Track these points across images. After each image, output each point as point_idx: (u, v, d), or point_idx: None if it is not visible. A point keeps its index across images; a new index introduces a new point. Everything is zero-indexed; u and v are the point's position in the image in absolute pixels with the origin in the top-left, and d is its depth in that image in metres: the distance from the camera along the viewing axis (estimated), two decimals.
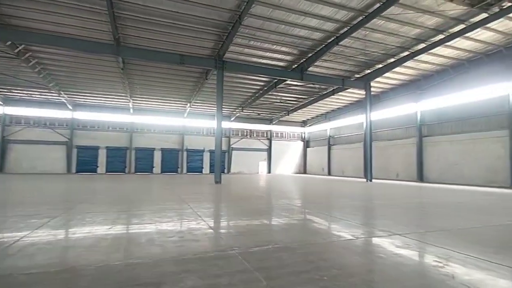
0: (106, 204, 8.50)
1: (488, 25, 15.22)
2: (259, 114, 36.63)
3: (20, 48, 17.51)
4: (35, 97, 28.52)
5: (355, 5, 14.36)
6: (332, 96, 28.06)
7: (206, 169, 36.50)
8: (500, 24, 15.46)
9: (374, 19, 14.92)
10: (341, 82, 22.96)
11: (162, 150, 34.78)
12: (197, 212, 7.14)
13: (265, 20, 15.42)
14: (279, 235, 5.13)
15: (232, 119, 36.92)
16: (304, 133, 42.62)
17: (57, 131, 30.72)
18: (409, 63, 20.50)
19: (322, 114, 37.41)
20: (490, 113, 19.21)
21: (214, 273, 3.11)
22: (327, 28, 16.41)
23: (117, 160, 32.87)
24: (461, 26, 15.79)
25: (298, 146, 42.32)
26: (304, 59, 20.25)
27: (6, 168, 28.49)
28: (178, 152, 35.61)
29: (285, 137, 41.66)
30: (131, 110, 32.98)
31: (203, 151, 36.56)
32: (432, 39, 17.34)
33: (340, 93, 27.44)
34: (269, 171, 39.75)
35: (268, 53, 19.31)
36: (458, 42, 17.44)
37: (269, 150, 40.16)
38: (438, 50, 18.40)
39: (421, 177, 23.55)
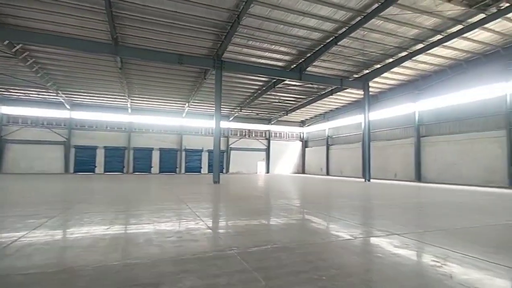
0: (104, 204, 8.48)
1: (486, 25, 15.28)
2: (257, 114, 36.64)
3: (17, 47, 17.44)
4: (33, 96, 28.41)
5: (354, 5, 14.39)
6: (331, 96, 28.10)
7: (204, 169, 36.47)
8: (497, 24, 15.52)
9: (373, 19, 14.96)
10: (340, 82, 23.00)
11: (160, 150, 34.73)
12: (195, 212, 7.13)
13: (263, 20, 15.42)
14: (277, 235, 5.13)
15: (231, 119, 36.90)
16: (303, 133, 42.65)
17: (55, 131, 30.62)
18: (407, 63, 20.56)
19: (320, 114, 37.47)
20: (487, 113, 19.29)
21: (212, 273, 3.11)
22: (326, 28, 16.43)
23: (115, 160, 32.79)
24: (459, 27, 15.86)
25: (297, 146, 42.35)
26: (302, 59, 20.27)
27: (3, 168, 28.36)
28: (177, 152, 35.56)
29: (284, 137, 41.68)
30: (129, 110, 32.91)
31: (201, 151, 36.52)
32: (430, 39, 17.40)
33: (338, 93, 27.48)
34: (267, 171, 39.76)
35: (266, 53, 19.31)
36: (456, 42, 17.50)
37: (267, 150, 40.17)
38: (436, 50, 18.47)
39: (419, 177, 23.61)
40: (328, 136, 36.91)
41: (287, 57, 20.16)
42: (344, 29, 16.39)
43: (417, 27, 16.18)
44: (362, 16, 15.06)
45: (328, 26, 16.19)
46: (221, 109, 19.94)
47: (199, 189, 14.71)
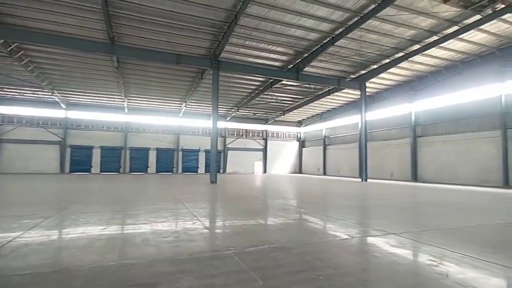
0: (100, 204, 8.43)
1: (481, 26, 15.40)
2: (254, 114, 36.63)
3: (12, 46, 17.29)
4: (28, 96, 28.21)
5: (351, 6, 14.43)
6: (328, 96, 28.17)
7: (201, 169, 36.41)
8: (493, 26, 15.64)
9: (370, 20, 15.01)
10: (337, 83, 23.06)
11: (157, 150, 34.63)
12: (192, 212, 7.12)
13: (261, 20, 15.42)
14: (275, 235, 5.13)
15: (228, 119, 36.88)
16: (300, 133, 42.71)
17: (50, 131, 30.42)
18: (403, 64, 20.65)
19: (317, 114, 37.54)
20: (483, 114, 19.43)
21: (210, 273, 3.10)
22: (323, 29, 16.46)
23: (112, 160, 32.65)
24: (455, 28, 15.96)
25: (294, 146, 42.41)
26: (299, 59, 20.30)
27: None
28: (173, 152, 35.48)
29: (281, 137, 41.72)
30: (126, 110, 32.77)
31: (198, 151, 36.46)
32: (427, 40, 17.50)
33: (335, 94, 27.55)
34: (264, 171, 39.78)
35: (264, 53, 19.32)
36: (452, 43, 17.62)
37: (264, 150, 40.18)
38: (432, 51, 18.57)
39: (415, 177, 23.73)
40: (325, 136, 36.99)
41: (284, 57, 20.18)
42: (341, 30, 16.43)
43: (414, 28, 16.26)
44: (359, 17, 15.11)
45: (325, 26, 16.22)
46: (218, 109, 19.92)
47: (196, 189, 14.68)
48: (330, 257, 3.82)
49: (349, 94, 28.21)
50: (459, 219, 6.78)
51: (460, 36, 16.47)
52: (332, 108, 34.52)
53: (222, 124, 36.21)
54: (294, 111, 34.81)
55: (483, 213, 7.94)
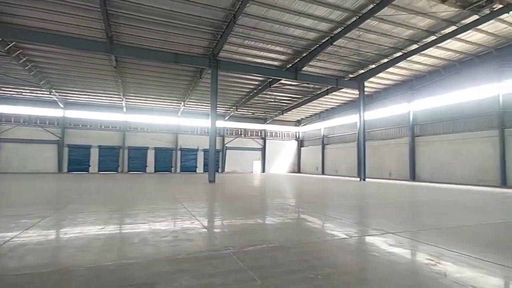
0: (98, 204, 8.42)
1: (479, 26, 15.44)
2: (253, 113, 36.62)
3: (10, 45, 17.22)
4: (26, 95, 28.08)
5: (349, 5, 14.43)
6: (326, 96, 28.18)
7: (200, 168, 36.38)
8: (490, 26, 15.69)
9: (368, 20, 15.01)
10: (335, 82, 23.07)
11: (156, 149, 34.55)
12: (191, 211, 7.11)
13: (259, 19, 15.40)
14: (273, 234, 5.13)
15: (226, 118, 36.85)
16: (298, 132, 42.73)
17: (48, 130, 30.30)
18: (402, 64, 20.69)
19: (316, 114, 37.56)
20: (480, 113, 19.49)
21: (208, 273, 3.10)
22: (322, 28, 16.46)
23: (110, 159, 32.55)
24: (453, 28, 16.00)
25: (292, 146, 42.43)
26: (298, 59, 20.30)
27: None
28: (172, 151, 35.42)
29: (279, 136, 41.73)
30: (124, 109, 32.69)
31: (197, 150, 36.42)
32: (425, 40, 17.53)
33: (334, 93, 27.57)
34: (263, 170, 39.78)
35: (262, 52, 19.30)
36: (450, 43, 17.66)
37: (263, 149, 40.18)
38: (430, 51, 18.61)
39: (413, 176, 23.79)
40: (324, 135, 37.03)
41: (283, 57, 20.17)
42: (339, 29, 16.43)
43: (412, 27, 16.29)
44: (358, 17, 15.11)
45: (323, 26, 16.23)
46: (217, 108, 19.89)
47: (195, 188, 14.67)
48: (328, 257, 3.83)
49: (348, 93, 28.23)
50: (456, 219, 6.80)
51: (458, 36, 16.50)
52: (331, 108, 34.54)
53: (220, 124, 36.17)
54: (292, 110, 34.81)
55: (481, 212, 7.97)
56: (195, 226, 5.45)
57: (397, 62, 20.03)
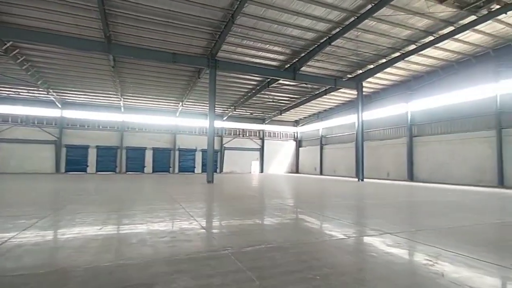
0: (96, 204, 8.39)
1: (477, 27, 15.50)
2: (251, 113, 36.62)
3: (7, 45, 17.12)
4: (23, 95, 27.95)
5: (348, 5, 14.46)
6: (325, 96, 28.21)
7: (198, 168, 36.33)
8: (488, 26, 15.76)
9: (366, 20, 15.04)
10: (333, 82, 23.11)
11: (154, 149, 34.48)
12: (189, 212, 7.10)
13: (258, 19, 15.40)
14: (272, 234, 5.13)
15: (225, 118, 36.82)
16: (297, 132, 42.76)
17: (46, 130, 30.18)
18: (400, 64, 20.74)
19: (314, 114, 37.60)
20: (478, 114, 19.56)
21: (206, 273, 3.10)
22: (320, 28, 16.48)
23: (108, 160, 32.45)
24: (451, 28, 16.05)
25: (291, 146, 42.45)
26: (296, 59, 20.31)
27: None
28: (170, 151, 35.36)
29: (278, 136, 41.74)
30: (122, 109, 32.60)
31: (195, 150, 36.37)
32: (422, 40, 17.58)
33: (332, 93, 27.60)
34: (261, 171, 39.78)
35: (261, 52, 19.31)
36: (448, 43, 17.72)
37: (261, 150, 40.18)
38: (428, 51, 18.66)
39: (411, 177, 23.85)
40: (322, 135, 37.07)
41: (281, 57, 20.18)
42: (338, 30, 16.46)
43: (410, 28, 16.33)
44: (356, 17, 15.14)
45: (322, 26, 16.25)
46: (215, 108, 19.89)
47: (193, 188, 14.65)
48: (326, 257, 3.83)
49: (346, 93, 28.28)
50: (454, 219, 6.82)
51: (456, 37, 16.56)
52: (329, 108, 34.59)
53: (219, 124, 36.15)
54: (291, 110, 34.84)
55: (478, 212, 8.00)
56: (193, 227, 5.44)
57: (395, 63, 20.07)
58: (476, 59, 19.49)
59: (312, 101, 30.42)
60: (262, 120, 39.91)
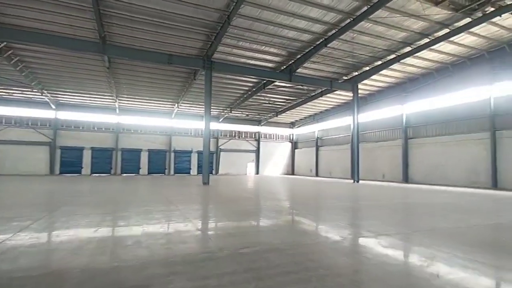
0: (91, 206, 8.33)
1: (472, 29, 15.65)
2: (247, 115, 36.63)
3: (1, 45, 16.95)
4: (17, 96, 27.68)
5: (344, 7, 14.53)
6: (320, 98, 28.29)
7: (193, 170, 36.22)
8: (482, 29, 15.93)
9: (362, 22, 15.11)
10: (329, 84, 23.19)
11: (149, 151, 34.33)
12: (185, 213, 7.08)
13: (254, 20, 15.42)
14: (268, 236, 5.13)
15: (221, 120, 36.79)
16: (292, 134, 42.82)
17: (40, 131, 29.90)
18: (395, 66, 20.87)
19: (310, 116, 37.69)
20: (472, 116, 19.74)
21: (202, 275, 3.09)
22: (316, 30, 16.55)
23: (103, 161, 32.22)
24: (446, 30, 16.19)
25: (286, 148, 42.49)
26: (292, 61, 20.36)
27: None
28: (166, 153, 35.23)
29: (274, 138, 41.77)
30: (117, 110, 32.42)
31: (191, 152, 36.27)
32: (418, 42, 17.71)
33: (328, 95, 27.68)
34: (257, 172, 39.76)
35: (257, 54, 19.32)
36: (443, 46, 17.87)
37: (257, 151, 40.17)
38: (423, 53, 18.81)
39: (406, 178, 23.98)
40: (318, 137, 37.16)
41: (277, 58, 20.22)
42: (333, 31, 16.52)
43: (405, 30, 16.45)
44: (352, 19, 15.21)
45: (318, 28, 16.31)
46: (211, 110, 19.83)
47: (189, 190, 14.61)
48: (322, 258, 3.84)
49: (342, 95, 28.38)
50: (449, 220, 6.87)
51: (451, 39, 16.70)
52: (325, 110, 34.69)
53: (214, 125, 36.09)
54: (287, 112, 34.89)
55: (473, 214, 8.07)
56: (189, 229, 5.42)
57: (391, 65, 20.20)
58: (471, 61, 19.68)
59: (308, 103, 30.50)
60: (258, 122, 39.93)
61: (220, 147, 37.92)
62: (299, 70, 20.99)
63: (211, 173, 34.90)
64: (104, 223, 5.88)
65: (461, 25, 15.41)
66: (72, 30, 15.74)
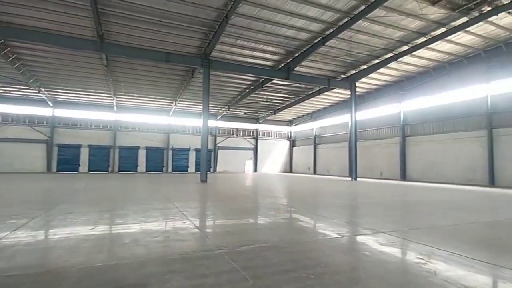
0: (88, 204, 8.30)
1: (468, 28, 15.72)
2: (245, 113, 36.61)
3: None
4: (14, 93, 27.55)
5: (341, 6, 14.53)
6: (318, 96, 28.32)
7: (191, 168, 36.21)
8: (479, 28, 15.99)
9: (359, 21, 15.14)
10: (327, 82, 23.21)
11: (147, 148, 34.27)
12: (182, 211, 7.07)
13: (252, 19, 15.40)
14: (266, 234, 5.14)
15: (219, 117, 36.76)
16: (290, 132, 42.87)
17: (37, 129, 29.77)
18: (392, 65, 20.93)
19: (308, 114, 37.74)
20: (469, 114, 19.84)
21: (200, 273, 3.09)
22: (314, 29, 16.54)
23: (100, 159, 32.15)
24: (443, 30, 16.24)
25: (284, 145, 42.54)
26: (290, 59, 20.35)
27: None
28: (163, 150, 35.17)
29: (271, 136, 41.80)
30: (115, 108, 32.32)
31: (188, 149, 36.24)
32: (415, 41, 17.76)
33: (326, 93, 27.73)
34: (255, 170, 39.80)
35: (255, 52, 19.30)
36: (440, 44, 17.93)
37: (255, 149, 40.20)
38: (421, 52, 18.87)
39: (404, 176, 24.08)
40: (316, 135, 37.22)
41: (275, 57, 20.20)
42: (331, 30, 16.53)
43: (402, 29, 16.49)
44: (349, 18, 15.23)
45: (315, 26, 16.30)
46: (209, 108, 19.83)
47: (186, 188, 14.59)
48: (320, 256, 3.84)
49: (340, 94, 28.43)
50: (446, 218, 6.90)
51: (448, 38, 16.76)
52: (323, 108, 34.75)
53: (212, 123, 36.08)
54: (284, 110, 34.91)
55: (470, 212, 8.11)
56: (187, 226, 5.42)
57: (388, 63, 20.25)
58: (468, 60, 19.76)
59: (306, 101, 30.53)
60: (256, 120, 39.92)
61: (218, 145, 37.91)
62: (297, 68, 21.00)
63: (209, 171, 34.90)
64: (101, 221, 5.86)
65: (458, 24, 15.47)
66: (70, 28, 15.66)
